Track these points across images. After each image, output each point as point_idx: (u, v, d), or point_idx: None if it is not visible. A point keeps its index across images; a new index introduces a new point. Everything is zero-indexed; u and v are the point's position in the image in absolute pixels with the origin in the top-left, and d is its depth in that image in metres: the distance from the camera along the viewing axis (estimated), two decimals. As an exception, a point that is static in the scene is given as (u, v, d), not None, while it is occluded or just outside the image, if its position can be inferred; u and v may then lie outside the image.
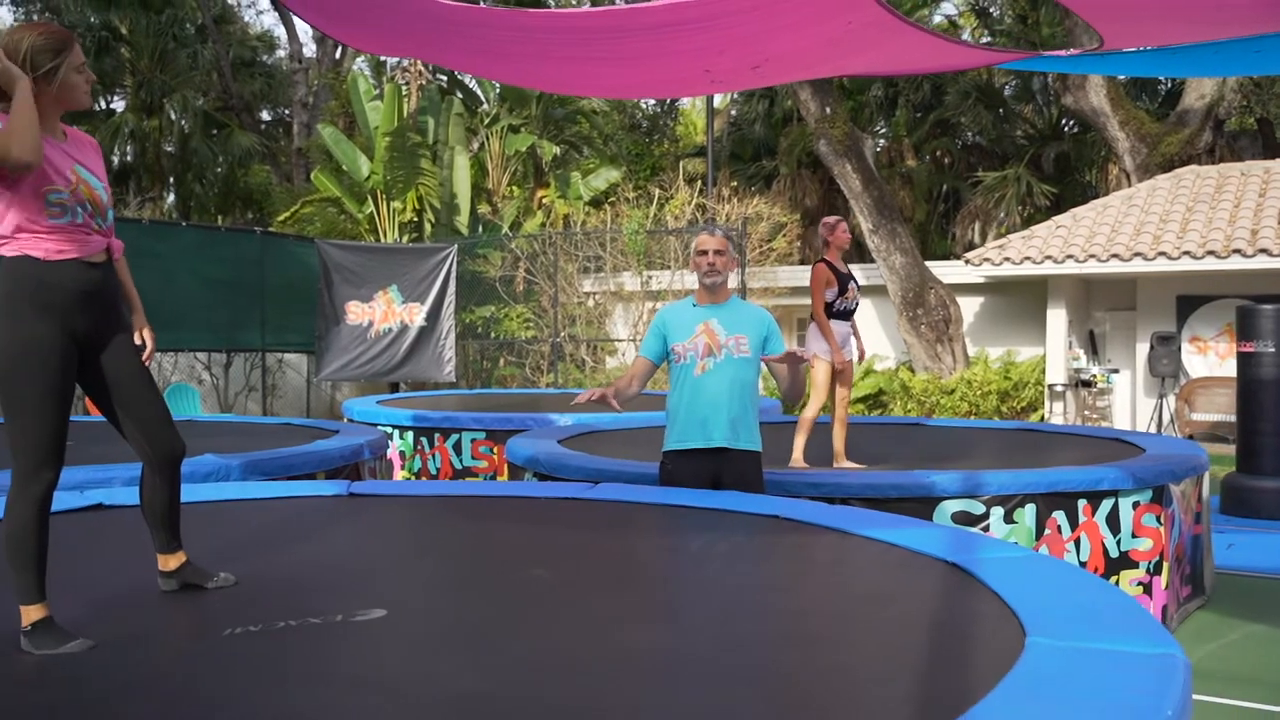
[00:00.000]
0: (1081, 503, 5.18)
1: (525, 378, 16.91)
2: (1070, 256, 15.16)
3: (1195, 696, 4.63)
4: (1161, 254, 14.68)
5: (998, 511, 5.06)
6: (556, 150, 20.63)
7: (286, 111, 29.79)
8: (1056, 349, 15.93)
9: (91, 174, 2.85)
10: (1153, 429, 15.75)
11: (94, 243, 2.84)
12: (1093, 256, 15.04)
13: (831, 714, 2.17)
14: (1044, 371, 16.04)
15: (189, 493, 4.05)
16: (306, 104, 26.81)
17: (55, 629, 2.67)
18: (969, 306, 17.31)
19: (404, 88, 19.30)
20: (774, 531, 3.83)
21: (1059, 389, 15.82)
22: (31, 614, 2.67)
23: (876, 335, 17.77)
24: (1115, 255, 14.93)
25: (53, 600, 2.71)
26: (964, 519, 5.03)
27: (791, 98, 19.86)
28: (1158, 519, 5.41)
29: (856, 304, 6.54)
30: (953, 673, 2.23)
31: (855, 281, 6.57)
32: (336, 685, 2.36)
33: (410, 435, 9.23)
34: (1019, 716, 1.84)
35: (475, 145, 21.24)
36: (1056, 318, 15.95)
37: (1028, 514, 5.09)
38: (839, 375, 6.43)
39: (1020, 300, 16.89)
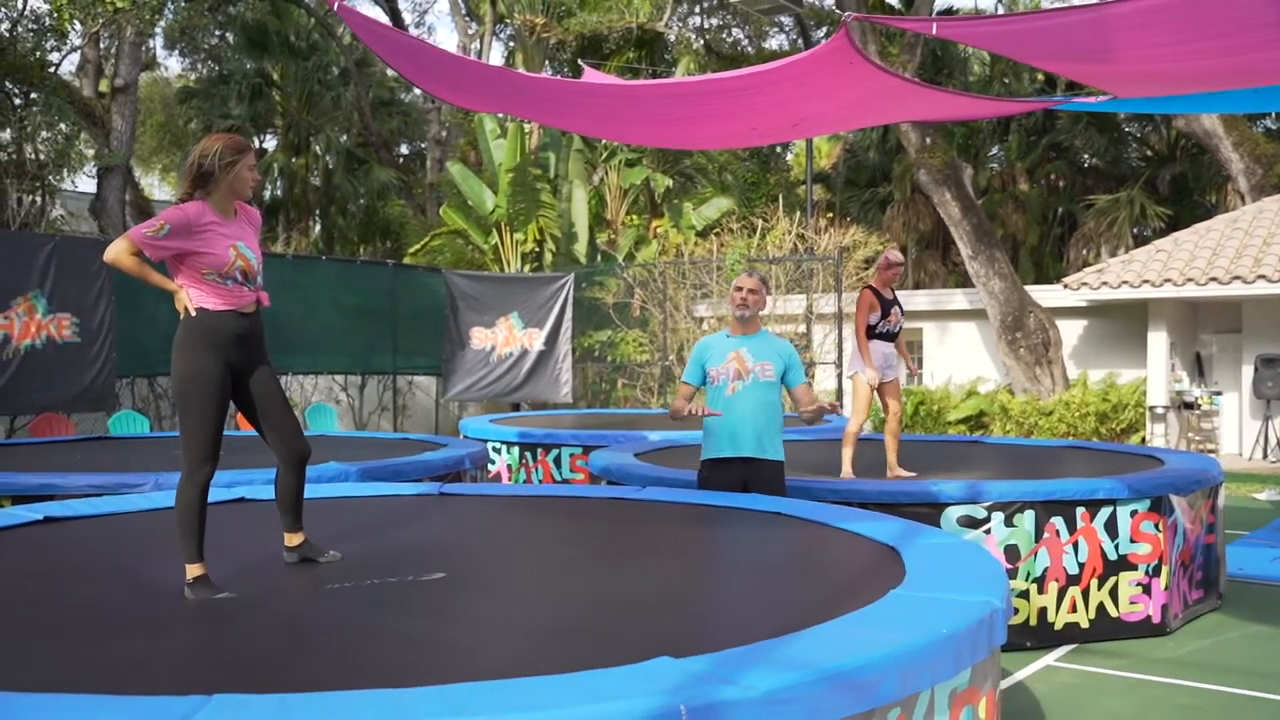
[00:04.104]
0: (1080, 510, 5.82)
1: (637, 399, 17.84)
2: (1168, 280, 15.36)
3: (1171, 680, 5.28)
4: (1261, 276, 14.78)
5: (998, 516, 5.74)
6: (669, 182, 21.63)
7: (422, 145, 31.67)
8: (1158, 371, 16.11)
9: (248, 248, 3.88)
10: (1258, 451, 15.79)
11: (247, 298, 3.87)
12: (1191, 280, 15.21)
13: (726, 629, 3.03)
14: (1145, 393, 16.22)
15: (315, 490, 5.14)
16: (439, 140, 28.56)
17: (209, 582, 3.69)
18: (1072, 329, 17.54)
19: (526, 126, 20.56)
20: (770, 524, 4.66)
21: (1160, 411, 15.99)
22: (193, 570, 3.70)
23: (979, 358, 18.17)
24: (1214, 279, 15.07)
25: (207, 564, 3.73)
26: (968, 523, 5.73)
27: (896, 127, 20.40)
28: (1157, 526, 6.00)
29: (900, 327, 7.24)
30: (825, 609, 3.02)
31: (900, 307, 7.26)
32: (402, 612, 3.34)
33: (516, 450, 10.27)
34: (832, 631, 2.65)
35: (595, 179, 22.39)
36: (1157, 340, 16.13)
37: (1027, 519, 5.76)
38: (886, 391, 7.14)
39: (1122, 323, 17.07)
